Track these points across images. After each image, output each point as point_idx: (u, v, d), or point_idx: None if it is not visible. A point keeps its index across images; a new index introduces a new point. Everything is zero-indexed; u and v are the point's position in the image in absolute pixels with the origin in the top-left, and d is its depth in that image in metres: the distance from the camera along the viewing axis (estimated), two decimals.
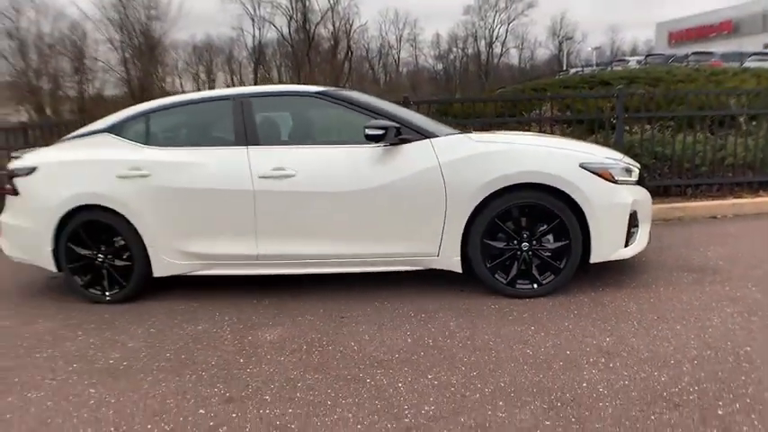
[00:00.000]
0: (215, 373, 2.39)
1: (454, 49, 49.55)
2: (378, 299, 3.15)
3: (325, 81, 33.25)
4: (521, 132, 4.22)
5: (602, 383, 2.12)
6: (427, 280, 3.34)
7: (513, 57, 50.87)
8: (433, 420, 1.93)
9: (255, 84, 37.69)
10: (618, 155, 3.34)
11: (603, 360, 2.30)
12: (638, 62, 21.39)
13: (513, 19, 47.54)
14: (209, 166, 3.15)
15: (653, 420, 1.86)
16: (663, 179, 5.15)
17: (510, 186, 2.91)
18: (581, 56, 44.94)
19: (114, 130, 3.39)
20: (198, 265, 3.26)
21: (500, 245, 3.01)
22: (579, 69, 27.33)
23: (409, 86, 39.37)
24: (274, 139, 3.21)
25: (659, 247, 3.80)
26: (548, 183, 2.89)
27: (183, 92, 34.38)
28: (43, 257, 3.41)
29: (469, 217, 2.95)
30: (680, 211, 4.68)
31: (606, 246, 2.98)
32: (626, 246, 3.04)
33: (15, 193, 3.48)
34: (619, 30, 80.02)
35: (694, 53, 18.99)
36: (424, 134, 3.06)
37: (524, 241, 2.99)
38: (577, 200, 2.90)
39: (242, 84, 39.88)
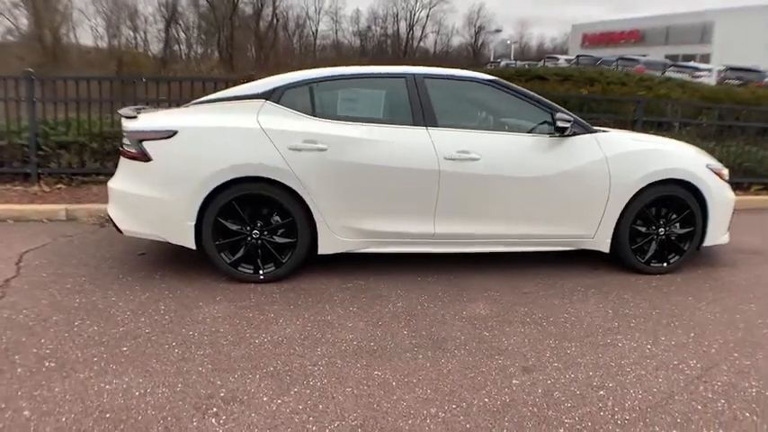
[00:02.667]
0: (476, 346, 2.52)
1: (373, 27, 48.93)
2: (533, 276, 3.46)
3: (248, 47, 31.15)
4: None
5: None
6: (554, 259, 3.71)
7: (429, 42, 51.15)
8: (715, 373, 2.34)
9: (166, 43, 34.08)
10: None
11: None
12: (567, 61, 23.68)
13: (435, 4, 47.74)
14: (391, 144, 3.14)
15: None
16: None
17: (658, 180, 3.40)
18: (490, 47, 47.38)
19: (273, 97, 3.18)
20: (370, 242, 3.25)
21: (643, 229, 3.50)
22: (512, 63, 29.26)
23: (332, 60, 38.56)
24: (451, 122, 3.29)
25: None
26: (686, 179, 3.45)
27: (80, 45, 29.85)
28: (179, 233, 3.11)
29: (625, 205, 3.38)
30: None
31: (716, 233, 3.63)
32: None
33: (146, 158, 3.08)
34: (527, 25, 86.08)
35: (621, 58, 21.37)
36: (587, 129, 3.40)
37: (660, 227, 3.51)
38: (704, 193, 3.49)
39: (146, 42, 35.72)
